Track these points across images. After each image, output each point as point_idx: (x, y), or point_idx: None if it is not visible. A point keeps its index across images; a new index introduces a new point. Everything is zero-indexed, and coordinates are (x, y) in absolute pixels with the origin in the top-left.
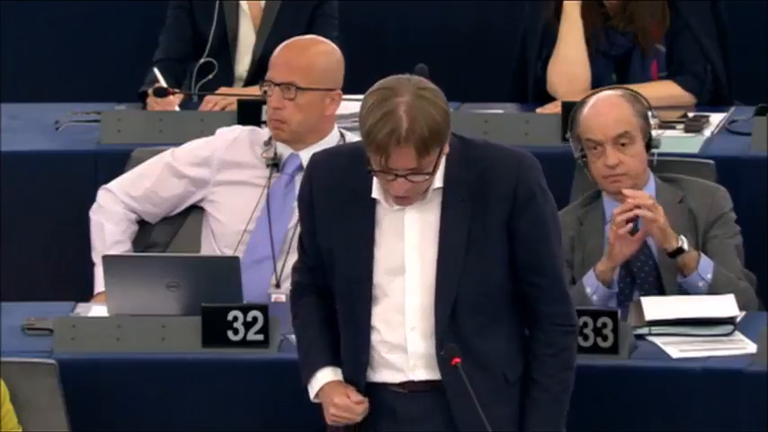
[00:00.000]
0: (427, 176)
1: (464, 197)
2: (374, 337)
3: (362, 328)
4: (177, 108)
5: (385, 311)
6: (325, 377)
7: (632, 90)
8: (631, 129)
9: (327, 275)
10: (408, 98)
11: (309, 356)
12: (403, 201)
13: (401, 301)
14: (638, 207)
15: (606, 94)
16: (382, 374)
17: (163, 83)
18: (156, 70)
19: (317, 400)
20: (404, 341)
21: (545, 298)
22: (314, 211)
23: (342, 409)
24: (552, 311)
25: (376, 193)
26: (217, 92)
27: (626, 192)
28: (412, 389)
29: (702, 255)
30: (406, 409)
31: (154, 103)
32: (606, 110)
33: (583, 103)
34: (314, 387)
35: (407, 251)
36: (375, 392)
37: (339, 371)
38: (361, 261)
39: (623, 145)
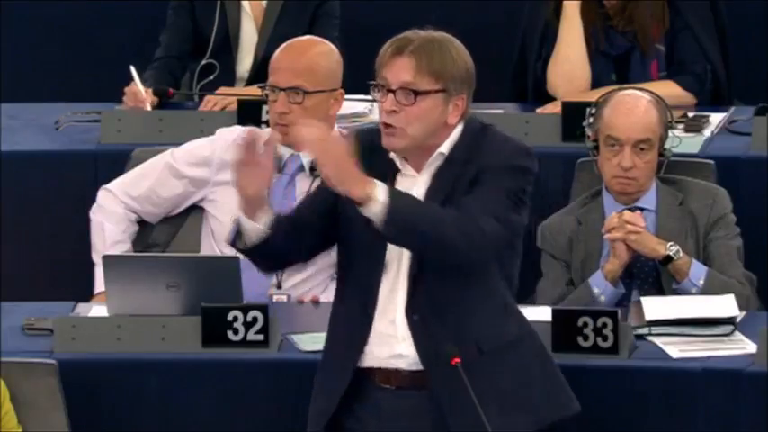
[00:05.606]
0: (414, 100)
1: (456, 171)
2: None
3: (371, 291)
4: (149, 108)
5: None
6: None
7: (659, 97)
8: (654, 137)
9: (339, 243)
10: (425, 33)
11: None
12: (388, 130)
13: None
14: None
15: (637, 95)
16: (372, 353)
17: (137, 82)
18: (132, 69)
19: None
20: (395, 313)
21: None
22: None
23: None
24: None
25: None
26: (216, 92)
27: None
28: (399, 384)
29: (695, 261)
30: (391, 406)
31: (128, 100)
32: (636, 112)
33: (609, 98)
34: None
35: None
36: (363, 388)
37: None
38: None
39: (642, 150)
